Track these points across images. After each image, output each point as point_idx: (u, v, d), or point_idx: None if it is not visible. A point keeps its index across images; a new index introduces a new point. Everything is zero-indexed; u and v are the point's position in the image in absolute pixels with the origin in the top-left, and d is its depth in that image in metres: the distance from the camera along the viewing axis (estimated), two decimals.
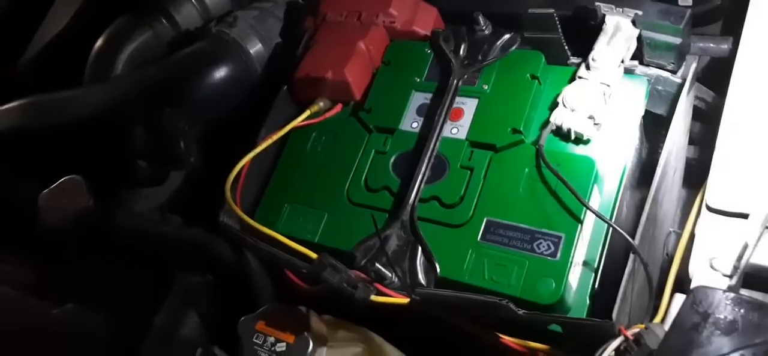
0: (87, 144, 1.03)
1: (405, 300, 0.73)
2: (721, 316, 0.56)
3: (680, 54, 0.81)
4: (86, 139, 1.03)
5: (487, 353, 0.74)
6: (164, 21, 1.12)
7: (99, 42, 1.14)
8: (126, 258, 0.93)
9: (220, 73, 1.00)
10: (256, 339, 0.81)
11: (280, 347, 0.80)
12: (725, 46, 0.86)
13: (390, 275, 0.76)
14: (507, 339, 0.71)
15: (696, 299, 0.58)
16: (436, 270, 0.75)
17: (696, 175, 0.84)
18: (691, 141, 0.96)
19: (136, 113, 0.99)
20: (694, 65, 0.81)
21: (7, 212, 1.04)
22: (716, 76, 0.93)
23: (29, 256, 1.00)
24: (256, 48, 1.03)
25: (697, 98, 0.90)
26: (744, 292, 0.61)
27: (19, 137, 1.06)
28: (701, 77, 0.93)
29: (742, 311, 0.56)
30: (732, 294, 0.56)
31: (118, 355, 0.92)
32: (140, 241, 0.94)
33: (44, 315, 0.97)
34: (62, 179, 0.96)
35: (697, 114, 0.94)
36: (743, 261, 0.60)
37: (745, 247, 0.61)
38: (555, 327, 0.71)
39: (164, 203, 1.03)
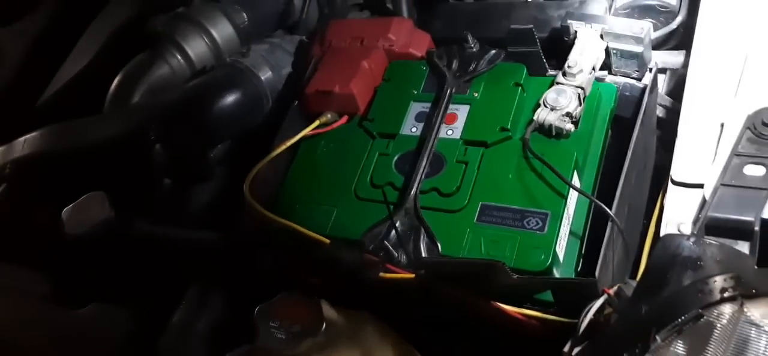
0: (109, 164, 1.11)
1: (411, 275, 0.81)
2: (687, 255, 0.65)
3: (642, 63, 0.94)
4: (108, 159, 1.11)
5: (487, 338, 0.81)
6: (179, 57, 1.23)
7: (117, 78, 1.23)
8: (144, 259, 1.00)
9: (235, 96, 1.10)
10: (272, 323, 0.88)
11: (296, 328, 0.87)
12: (681, 59, 0.99)
13: (396, 255, 0.84)
14: (503, 306, 0.79)
15: (665, 244, 0.67)
16: (438, 249, 0.84)
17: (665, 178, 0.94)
18: (660, 149, 1.08)
19: (155, 132, 1.08)
20: (654, 72, 0.93)
21: (31, 229, 1.11)
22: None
23: (52, 267, 1.07)
24: (266, 75, 1.14)
25: (661, 106, 1.02)
26: None
27: (43, 159, 1.15)
28: (671, 91, 1.06)
29: (703, 250, 0.65)
30: (694, 237, 0.66)
31: (137, 351, 0.98)
32: (157, 242, 1.01)
33: (66, 317, 1.03)
34: (85, 195, 1.04)
35: (664, 124, 1.05)
36: (703, 213, 0.70)
37: (704, 201, 0.71)
38: (545, 297, 0.79)
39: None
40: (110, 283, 1.03)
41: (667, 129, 1.04)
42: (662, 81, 1.05)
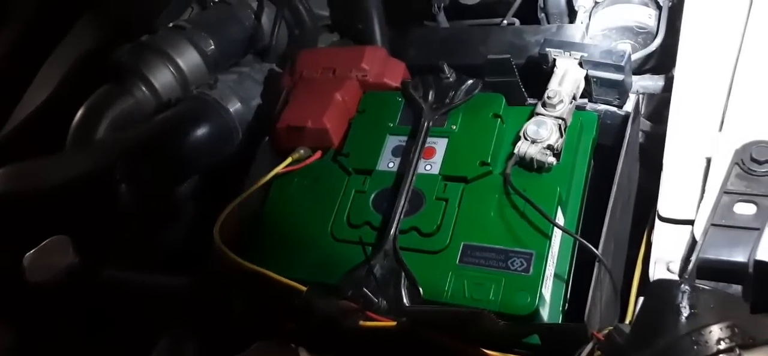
0: (72, 206, 1.06)
1: (392, 323, 0.77)
2: (678, 303, 0.62)
3: (623, 90, 0.91)
4: (71, 201, 1.06)
5: None
6: (144, 88, 1.17)
7: (80, 111, 1.17)
8: (112, 307, 0.95)
9: (203, 130, 1.06)
10: None
11: None
12: (661, 83, 0.97)
13: (377, 300, 0.80)
14: (490, 352, 0.76)
15: (655, 291, 0.65)
16: (419, 294, 0.80)
17: (649, 205, 0.92)
18: (642, 173, 1.06)
19: (120, 171, 1.03)
20: (635, 99, 0.91)
21: None
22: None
23: (13, 316, 1.01)
24: (235, 107, 1.10)
25: (643, 132, 0.99)
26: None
27: (2, 202, 1.09)
28: (653, 115, 1.04)
29: (696, 297, 0.62)
30: (687, 283, 0.63)
31: None
32: (125, 289, 0.96)
33: None
34: (48, 239, 0.99)
35: (644, 147, 1.03)
36: (694, 256, 0.68)
37: (694, 243, 0.69)
38: (533, 340, 0.76)
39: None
40: (76, 333, 0.98)
41: (647, 153, 1.02)
42: (641, 103, 1.03)
